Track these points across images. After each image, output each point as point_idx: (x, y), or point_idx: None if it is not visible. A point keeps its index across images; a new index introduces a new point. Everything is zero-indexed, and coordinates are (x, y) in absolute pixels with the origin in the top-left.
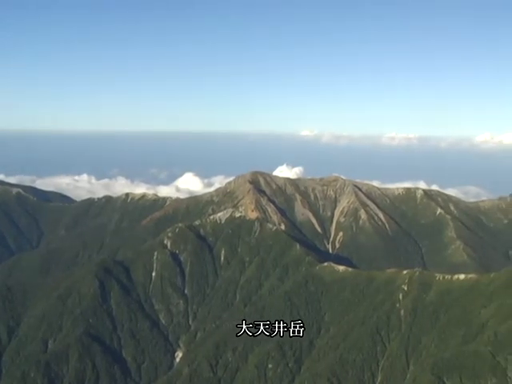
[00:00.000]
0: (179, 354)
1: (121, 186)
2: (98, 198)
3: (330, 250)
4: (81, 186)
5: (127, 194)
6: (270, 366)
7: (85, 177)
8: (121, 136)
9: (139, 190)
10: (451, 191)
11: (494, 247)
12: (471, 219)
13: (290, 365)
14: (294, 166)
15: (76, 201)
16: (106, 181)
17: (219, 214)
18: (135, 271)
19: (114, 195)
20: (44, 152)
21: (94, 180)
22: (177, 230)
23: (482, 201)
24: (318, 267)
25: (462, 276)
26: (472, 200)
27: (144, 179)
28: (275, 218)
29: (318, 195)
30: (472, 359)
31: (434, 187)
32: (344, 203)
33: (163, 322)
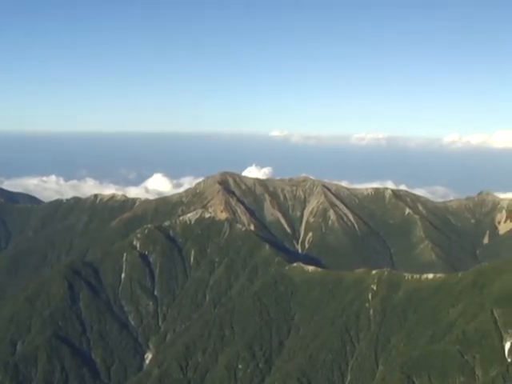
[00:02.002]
0: (149, 356)
1: (89, 187)
2: (67, 199)
3: (300, 251)
4: (49, 187)
5: (96, 195)
6: (239, 366)
7: (53, 178)
8: (89, 137)
9: (108, 191)
10: (419, 191)
11: (461, 247)
12: (439, 219)
13: (259, 365)
14: (263, 166)
15: (44, 202)
16: (74, 182)
17: (189, 215)
18: (104, 272)
19: (83, 196)
20: (12, 153)
21: (62, 181)
22: (146, 230)
23: (450, 201)
24: (287, 267)
25: (430, 275)
26: (439, 200)
27: (113, 180)
28: (244, 218)
29: (287, 195)
30: (440, 358)
31: (403, 187)
32: (313, 203)
33: (133, 323)
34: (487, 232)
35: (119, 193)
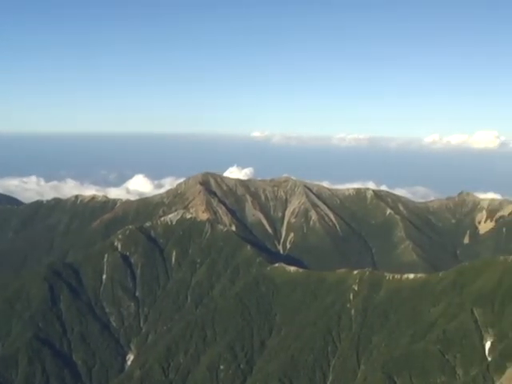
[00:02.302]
0: (130, 357)
1: (70, 188)
2: (47, 200)
3: (281, 251)
4: (29, 188)
5: (77, 196)
6: (221, 367)
7: (33, 179)
8: (69, 137)
9: (89, 191)
10: (400, 191)
11: (442, 247)
12: (420, 219)
13: (241, 366)
14: (244, 167)
15: (24, 203)
16: (54, 183)
17: (170, 216)
18: (85, 274)
19: (64, 197)
20: None
21: (42, 182)
22: (127, 232)
23: (431, 201)
24: (268, 268)
25: (411, 275)
26: (420, 200)
27: (93, 181)
28: (226, 219)
29: (268, 196)
30: (421, 358)
31: (383, 188)
32: (295, 204)
33: (114, 324)
34: (467, 232)
35: (100, 194)
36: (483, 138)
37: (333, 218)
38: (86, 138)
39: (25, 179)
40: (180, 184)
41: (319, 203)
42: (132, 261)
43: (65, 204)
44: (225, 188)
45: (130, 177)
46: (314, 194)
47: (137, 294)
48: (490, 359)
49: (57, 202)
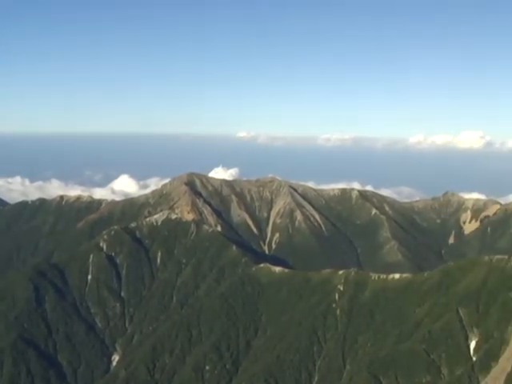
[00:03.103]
0: (116, 358)
1: (55, 189)
2: (32, 201)
3: (267, 251)
4: (14, 188)
5: (62, 197)
6: (207, 367)
7: (18, 179)
8: (54, 137)
9: (74, 192)
10: (385, 192)
11: (427, 247)
12: (406, 219)
13: (227, 366)
14: (229, 167)
15: (9, 203)
16: (39, 183)
17: (155, 216)
18: (70, 274)
19: (49, 198)
20: None
21: (27, 182)
22: (112, 232)
23: (416, 201)
24: (254, 268)
25: (396, 275)
26: (405, 200)
27: (79, 181)
28: (211, 219)
29: (254, 196)
30: (407, 357)
31: (369, 188)
32: (280, 204)
33: (99, 325)
34: (453, 232)
35: (85, 194)
36: (468, 138)
37: (318, 219)
38: (70, 138)
39: (9, 179)
40: (165, 184)
41: (304, 203)
42: (117, 261)
43: (50, 204)
44: (210, 188)
45: (116, 177)
46: (299, 194)
47: (122, 294)
48: (475, 359)
49: (42, 203)
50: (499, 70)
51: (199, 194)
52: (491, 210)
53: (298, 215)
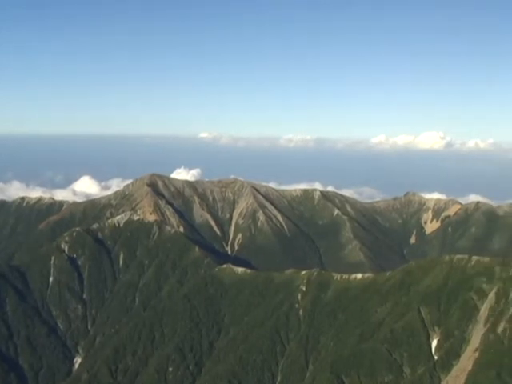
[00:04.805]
0: (78, 360)
1: (15, 190)
2: None
3: (229, 252)
4: None
5: (23, 198)
6: (170, 369)
7: None
8: (14, 138)
9: (35, 193)
10: (346, 192)
11: (389, 246)
12: (367, 219)
13: (190, 367)
14: (191, 168)
15: None
16: (0, 185)
17: (117, 218)
18: (32, 276)
19: (9, 199)
20: None
21: None
22: (74, 234)
23: (378, 201)
24: (217, 269)
25: (359, 275)
26: (366, 201)
27: (39, 183)
28: (174, 220)
29: (216, 197)
30: (369, 357)
31: (330, 188)
32: (242, 205)
33: (61, 327)
34: (414, 232)
35: (46, 195)
36: (429, 138)
37: (280, 219)
38: (31, 139)
39: None
40: (127, 185)
41: (267, 204)
42: (79, 263)
43: (10, 206)
44: (172, 189)
45: (77, 178)
46: (261, 194)
47: (84, 296)
48: (436, 357)
49: (2, 204)
50: (460, 70)
51: (161, 195)
52: (452, 210)
53: (261, 216)
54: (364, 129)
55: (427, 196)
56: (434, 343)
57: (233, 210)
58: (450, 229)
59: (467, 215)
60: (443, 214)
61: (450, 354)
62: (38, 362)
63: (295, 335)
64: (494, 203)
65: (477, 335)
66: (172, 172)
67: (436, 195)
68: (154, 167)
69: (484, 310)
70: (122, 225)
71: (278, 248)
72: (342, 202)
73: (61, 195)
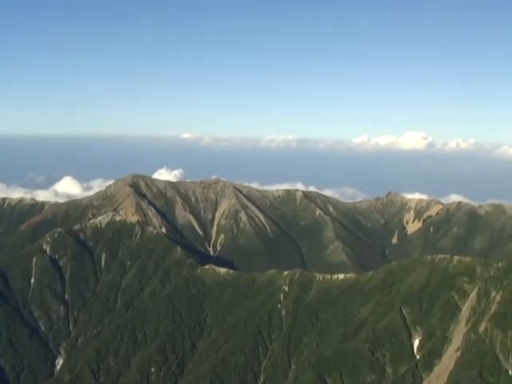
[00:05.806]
0: (60, 361)
1: None
2: None
3: (212, 253)
4: None
5: (3, 199)
6: (152, 370)
7: None
8: None
9: (16, 194)
10: (328, 192)
11: (371, 247)
12: (349, 220)
13: (172, 368)
14: (174, 168)
15: None
16: None
17: (99, 218)
18: (13, 277)
19: None
20: None
21: None
22: (56, 234)
23: (360, 202)
24: (199, 270)
25: (341, 276)
26: (348, 201)
27: (20, 183)
28: (156, 221)
29: (198, 198)
30: (352, 357)
31: (312, 188)
32: (225, 205)
33: (43, 328)
34: (396, 232)
35: (28, 196)
36: (411, 139)
37: (263, 219)
38: (12, 139)
39: None
40: (109, 186)
41: (249, 204)
42: (61, 264)
43: None
44: (154, 190)
45: (59, 179)
46: (243, 195)
47: (66, 297)
48: (418, 357)
49: None
50: (441, 71)
51: (143, 196)
52: (434, 210)
53: (243, 216)
54: (346, 129)
55: (409, 196)
56: (416, 343)
57: (215, 210)
58: (431, 229)
59: (449, 215)
60: (425, 214)
61: (432, 354)
62: (20, 364)
63: (278, 335)
64: (475, 203)
65: (458, 335)
66: (154, 172)
67: (418, 195)
68: (136, 168)
69: (465, 310)
70: (103, 225)
71: (260, 248)
72: (324, 202)
73: (42, 196)
